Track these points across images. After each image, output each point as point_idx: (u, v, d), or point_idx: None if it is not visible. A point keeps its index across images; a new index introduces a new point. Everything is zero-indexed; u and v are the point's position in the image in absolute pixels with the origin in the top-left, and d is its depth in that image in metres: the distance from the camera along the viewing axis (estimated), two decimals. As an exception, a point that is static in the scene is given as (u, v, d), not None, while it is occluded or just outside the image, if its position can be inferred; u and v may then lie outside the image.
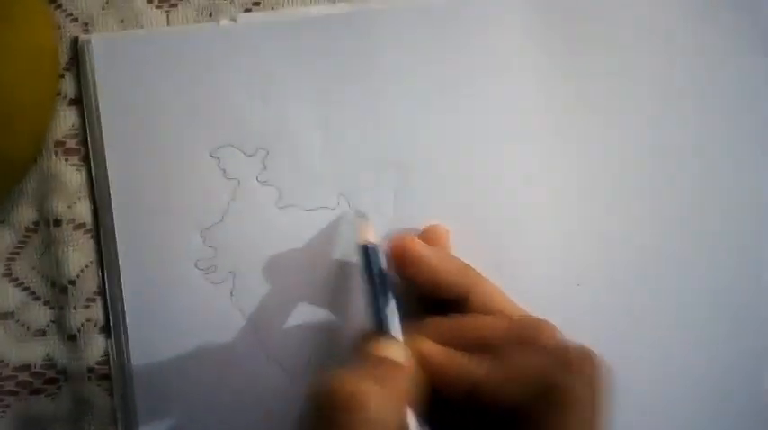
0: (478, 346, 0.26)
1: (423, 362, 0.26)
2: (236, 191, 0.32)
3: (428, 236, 0.31)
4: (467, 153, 0.32)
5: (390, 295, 0.27)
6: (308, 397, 0.23)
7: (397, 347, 0.26)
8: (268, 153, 0.32)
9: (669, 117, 0.33)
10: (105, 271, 0.32)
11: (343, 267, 0.32)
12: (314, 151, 0.32)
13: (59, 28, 0.32)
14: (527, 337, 0.26)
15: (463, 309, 0.28)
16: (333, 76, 0.32)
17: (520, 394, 0.24)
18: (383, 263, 0.28)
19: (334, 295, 0.32)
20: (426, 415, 0.25)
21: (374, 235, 0.29)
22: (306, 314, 0.31)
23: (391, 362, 0.25)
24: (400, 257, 0.29)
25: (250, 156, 0.32)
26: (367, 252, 0.28)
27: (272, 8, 0.33)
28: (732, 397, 0.33)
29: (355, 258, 0.30)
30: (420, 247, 0.29)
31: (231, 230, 0.31)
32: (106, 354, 0.32)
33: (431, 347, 0.26)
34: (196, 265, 0.31)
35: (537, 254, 0.32)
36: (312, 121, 0.32)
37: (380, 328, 0.27)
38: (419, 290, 0.29)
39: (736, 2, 0.33)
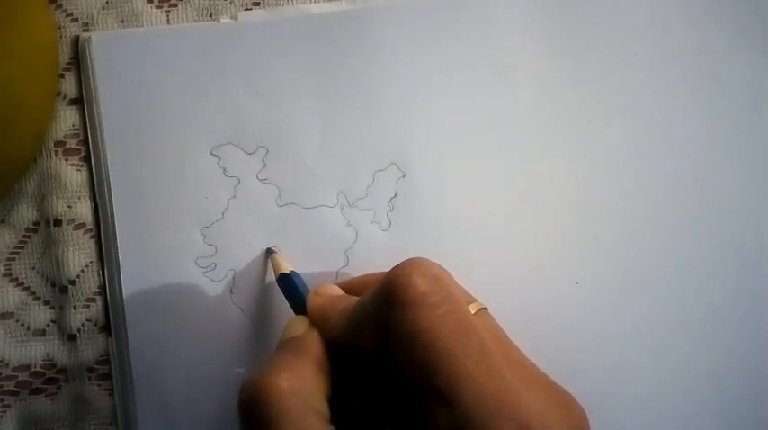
0: None
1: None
2: (237, 189, 0.31)
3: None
4: (466, 152, 0.32)
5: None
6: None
7: (299, 321, 0.26)
8: (268, 151, 0.32)
9: (670, 117, 0.33)
10: (105, 271, 0.32)
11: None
12: (314, 149, 0.32)
13: (59, 28, 0.32)
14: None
15: None
16: (333, 74, 0.32)
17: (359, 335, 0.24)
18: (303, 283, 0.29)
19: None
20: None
21: (288, 263, 0.30)
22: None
23: (294, 343, 0.25)
24: None
25: (250, 154, 0.32)
26: (287, 279, 0.29)
27: (273, 7, 0.33)
28: (732, 397, 0.32)
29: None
30: None
31: (231, 228, 0.31)
32: (106, 354, 0.32)
33: (319, 295, 0.27)
34: (196, 263, 0.31)
35: (535, 252, 0.32)
36: (312, 120, 0.32)
37: None
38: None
39: (736, 1, 0.33)
